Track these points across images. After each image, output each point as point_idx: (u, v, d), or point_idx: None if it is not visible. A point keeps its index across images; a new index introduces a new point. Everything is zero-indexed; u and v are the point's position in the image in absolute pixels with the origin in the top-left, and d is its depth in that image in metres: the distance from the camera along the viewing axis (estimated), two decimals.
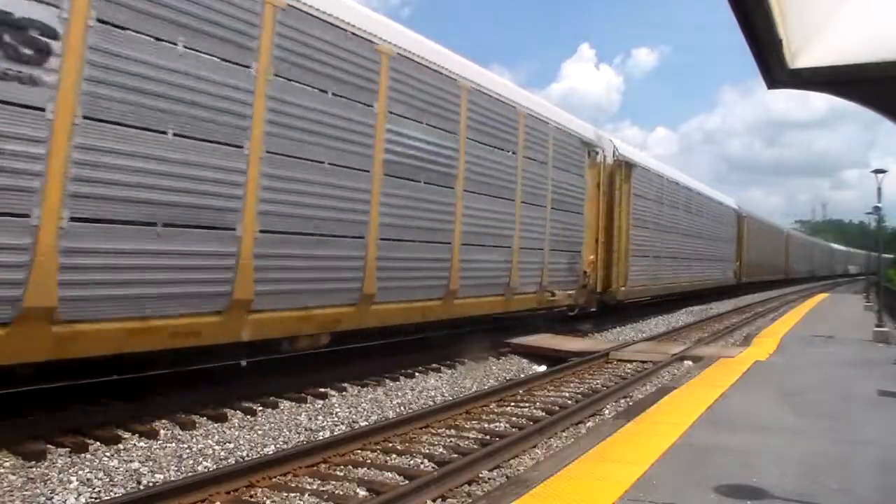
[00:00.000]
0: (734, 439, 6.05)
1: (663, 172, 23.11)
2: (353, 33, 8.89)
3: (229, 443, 6.63)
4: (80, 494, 5.16)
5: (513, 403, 9.04)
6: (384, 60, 9.42)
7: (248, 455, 6.37)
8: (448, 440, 7.10)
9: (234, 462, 6.10)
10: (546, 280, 14.23)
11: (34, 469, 5.52)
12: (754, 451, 5.64)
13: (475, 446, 6.79)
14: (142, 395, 7.54)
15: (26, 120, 5.54)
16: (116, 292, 6.30)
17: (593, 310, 17.00)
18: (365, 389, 9.25)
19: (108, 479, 5.47)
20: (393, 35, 9.84)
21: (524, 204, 13.33)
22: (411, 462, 6.29)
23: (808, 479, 4.98)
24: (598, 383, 10.49)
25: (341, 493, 5.44)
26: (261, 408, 7.85)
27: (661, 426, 6.49)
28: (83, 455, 5.91)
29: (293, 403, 8.18)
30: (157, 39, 6.51)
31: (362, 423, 7.63)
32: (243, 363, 7.96)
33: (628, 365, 12.05)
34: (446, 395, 9.56)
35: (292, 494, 5.32)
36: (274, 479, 5.60)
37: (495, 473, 6.06)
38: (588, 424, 8.00)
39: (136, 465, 5.83)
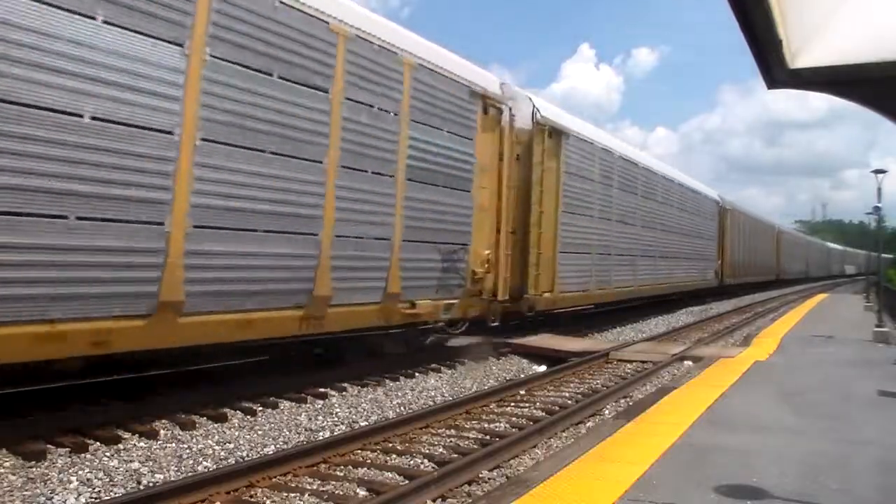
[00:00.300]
0: (734, 439, 6.05)
1: (614, 148, 18.15)
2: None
3: (229, 443, 6.62)
4: (80, 494, 5.16)
5: (513, 403, 9.04)
6: None
7: (248, 455, 6.37)
8: (448, 440, 7.10)
9: (234, 462, 6.10)
10: (397, 285, 9.75)
11: (34, 469, 5.52)
12: (754, 451, 5.64)
13: (475, 446, 6.79)
14: (142, 394, 7.54)
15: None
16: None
17: (495, 324, 12.51)
18: (365, 389, 9.24)
19: (108, 479, 5.47)
20: None
21: (347, 171, 8.83)
22: (411, 462, 6.29)
23: (808, 479, 4.98)
24: (598, 383, 10.48)
25: (341, 493, 5.44)
26: (261, 408, 7.84)
27: (661, 426, 6.49)
28: (83, 455, 5.91)
29: (293, 403, 8.17)
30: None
31: (362, 423, 7.63)
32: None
33: (628, 365, 12.04)
34: (446, 395, 9.55)
35: (292, 494, 5.32)
36: (274, 479, 5.60)
37: (495, 473, 6.06)
38: (588, 424, 8.00)
39: (136, 465, 5.83)
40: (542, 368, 12.07)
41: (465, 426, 7.71)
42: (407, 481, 5.61)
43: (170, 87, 6.62)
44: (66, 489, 5.21)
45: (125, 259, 6.33)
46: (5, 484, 5.17)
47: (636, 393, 9.75)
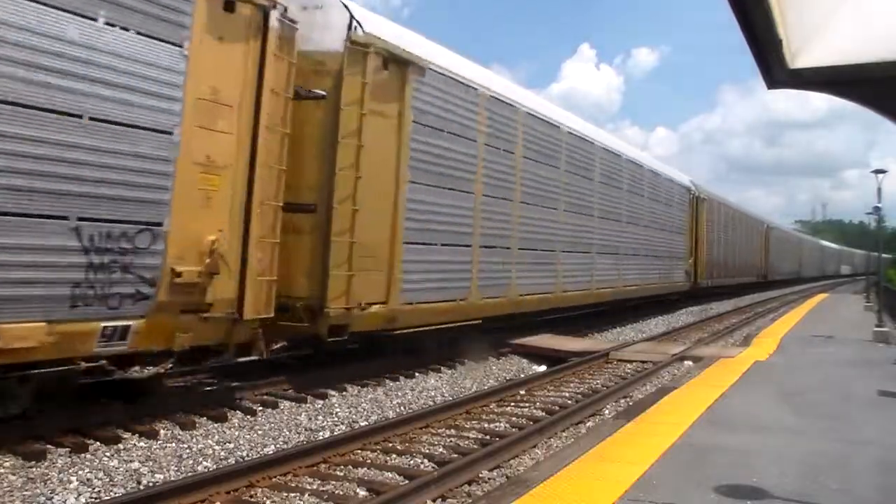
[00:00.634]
0: (734, 439, 6.04)
1: (517, 100, 13.11)
2: None
3: (229, 443, 6.63)
4: (80, 494, 5.17)
5: (513, 403, 9.04)
6: None
7: (248, 455, 6.37)
8: (448, 440, 7.10)
9: (234, 462, 6.10)
10: None
11: (34, 469, 5.52)
12: (754, 451, 5.64)
13: (475, 446, 6.79)
14: (142, 395, 7.53)
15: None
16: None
17: (259, 357, 8.53)
18: (365, 389, 9.24)
19: (108, 479, 5.47)
20: None
21: None
22: (411, 462, 6.29)
23: (808, 479, 4.98)
24: (598, 383, 10.49)
25: (341, 493, 5.44)
26: (261, 408, 7.84)
27: (661, 426, 6.49)
28: (83, 455, 5.91)
29: (293, 403, 8.17)
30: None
31: (362, 423, 7.63)
32: None
33: (628, 365, 12.04)
34: (446, 395, 9.55)
35: (292, 494, 5.32)
36: (274, 479, 5.60)
37: (495, 473, 6.06)
38: (588, 424, 8.00)
39: (136, 465, 5.83)
40: (542, 368, 12.08)
41: (465, 426, 7.71)
42: (407, 481, 5.61)
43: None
44: (66, 489, 5.22)
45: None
46: (5, 484, 5.17)
47: (636, 393, 9.75)
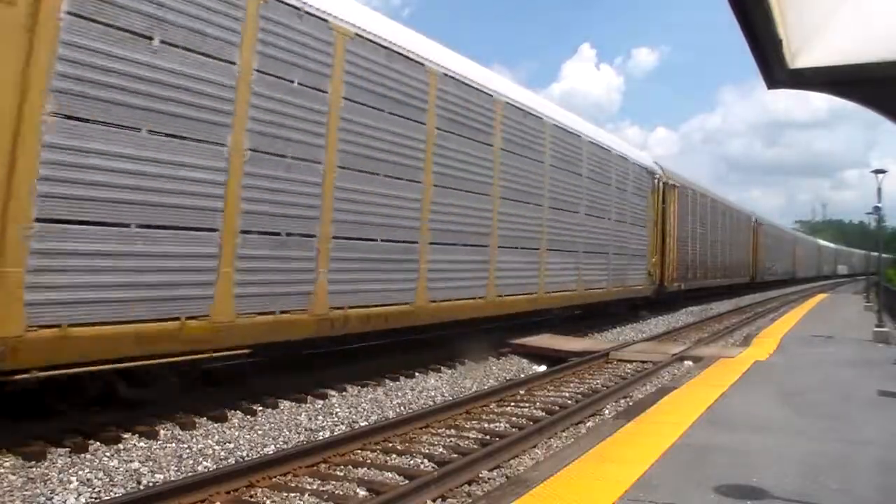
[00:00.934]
0: (734, 439, 6.05)
1: (401, 44, 9.76)
2: None
3: (229, 443, 6.63)
4: (80, 494, 5.17)
5: (513, 403, 9.04)
6: None
7: (248, 455, 6.37)
8: (448, 440, 7.10)
9: (234, 462, 6.11)
10: None
11: (34, 469, 5.52)
12: (754, 451, 5.64)
13: (475, 446, 6.79)
14: (141, 395, 7.53)
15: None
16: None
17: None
18: (365, 389, 9.24)
19: (108, 479, 5.47)
20: None
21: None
22: (411, 462, 6.29)
23: (808, 478, 4.98)
24: (598, 383, 10.49)
25: (341, 493, 5.44)
26: (261, 408, 7.85)
27: (661, 426, 6.49)
28: (83, 455, 5.92)
29: (293, 403, 8.17)
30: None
31: (362, 423, 7.63)
32: None
33: (628, 365, 12.04)
34: (446, 395, 9.56)
35: (292, 494, 5.32)
36: (274, 479, 5.60)
37: (495, 473, 6.06)
38: (588, 424, 8.00)
39: (136, 465, 5.84)
40: (542, 368, 12.08)
41: (465, 426, 7.71)
42: (407, 481, 5.61)
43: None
44: (66, 489, 5.22)
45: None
46: (5, 484, 5.18)
47: (636, 393, 9.75)
